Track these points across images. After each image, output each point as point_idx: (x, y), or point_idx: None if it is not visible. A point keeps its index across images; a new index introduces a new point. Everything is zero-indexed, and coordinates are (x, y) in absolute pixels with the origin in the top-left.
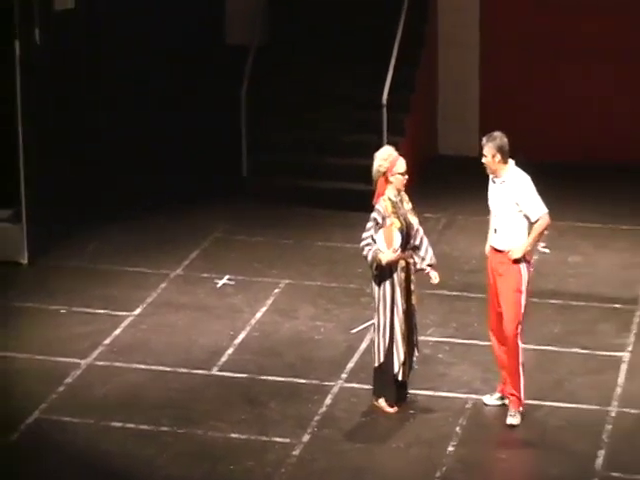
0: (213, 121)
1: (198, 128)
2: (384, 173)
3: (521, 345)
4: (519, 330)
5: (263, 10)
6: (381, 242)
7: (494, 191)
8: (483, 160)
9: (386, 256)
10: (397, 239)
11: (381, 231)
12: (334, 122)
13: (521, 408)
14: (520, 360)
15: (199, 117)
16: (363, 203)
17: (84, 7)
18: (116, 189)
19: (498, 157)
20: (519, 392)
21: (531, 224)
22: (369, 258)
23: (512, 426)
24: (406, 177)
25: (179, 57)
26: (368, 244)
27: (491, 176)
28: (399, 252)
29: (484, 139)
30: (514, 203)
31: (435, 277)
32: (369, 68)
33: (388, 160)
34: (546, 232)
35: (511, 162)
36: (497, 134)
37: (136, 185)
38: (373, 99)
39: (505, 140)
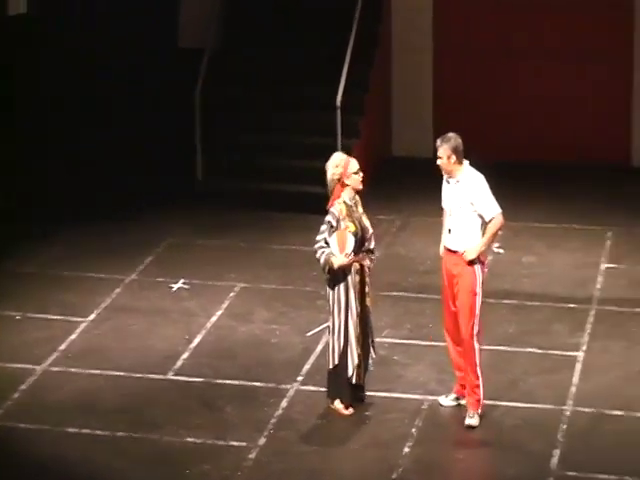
0: (167, 124)
1: (152, 131)
2: (339, 179)
3: (478, 346)
4: (475, 331)
5: (217, 13)
6: (334, 246)
7: (448, 191)
8: (439, 162)
9: (338, 260)
10: (350, 243)
11: (334, 235)
12: (288, 124)
13: (480, 410)
14: (478, 361)
15: (153, 120)
16: (319, 205)
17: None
18: (68, 193)
19: (453, 158)
20: (478, 394)
21: (485, 224)
22: (322, 262)
23: (471, 427)
24: (361, 175)
25: (131, 60)
26: (321, 247)
27: (445, 176)
28: (351, 256)
29: (438, 141)
30: (469, 203)
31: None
32: (323, 70)
33: (340, 165)
34: (500, 232)
35: (465, 162)
36: (451, 135)
37: (87, 189)
38: (327, 101)
39: (459, 141)
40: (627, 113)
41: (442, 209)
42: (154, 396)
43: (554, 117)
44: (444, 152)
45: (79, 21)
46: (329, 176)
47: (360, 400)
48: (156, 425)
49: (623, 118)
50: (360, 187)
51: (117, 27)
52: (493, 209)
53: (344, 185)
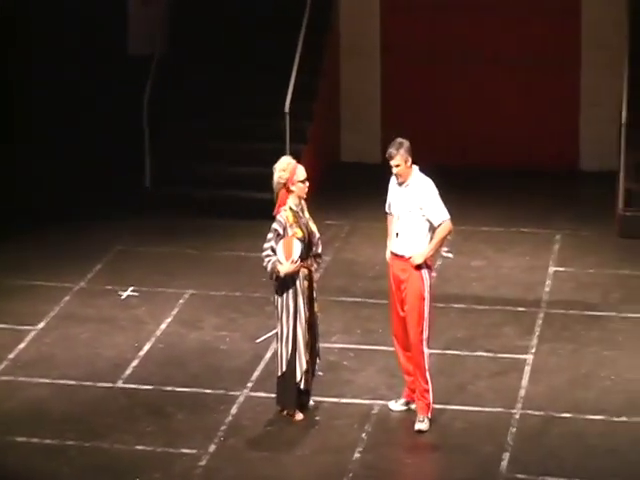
0: (116, 132)
1: (101, 139)
2: (285, 184)
3: (427, 351)
4: (424, 336)
5: (165, 20)
6: (280, 253)
7: (397, 195)
8: (397, 170)
9: (284, 268)
10: (297, 250)
11: (281, 242)
12: (237, 131)
13: (429, 414)
14: (426, 366)
15: (102, 128)
16: (267, 212)
17: None
18: (17, 201)
19: (409, 162)
20: (427, 398)
21: (434, 229)
22: (268, 269)
23: (420, 432)
24: (307, 184)
25: (81, 69)
26: (268, 255)
27: (394, 180)
28: (298, 263)
29: (392, 149)
30: (418, 207)
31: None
32: (271, 77)
33: (287, 170)
34: (449, 237)
35: (415, 167)
36: (402, 140)
37: (37, 198)
38: (276, 107)
39: (409, 144)
40: (575, 117)
41: (387, 214)
42: (103, 404)
43: (503, 122)
44: (401, 158)
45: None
46: (275, 179)
47: (306, 406)
48: (106, 433)
49: (572, 122)
50: (305, 196)
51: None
52: (442, 215)
53: (289, 191)
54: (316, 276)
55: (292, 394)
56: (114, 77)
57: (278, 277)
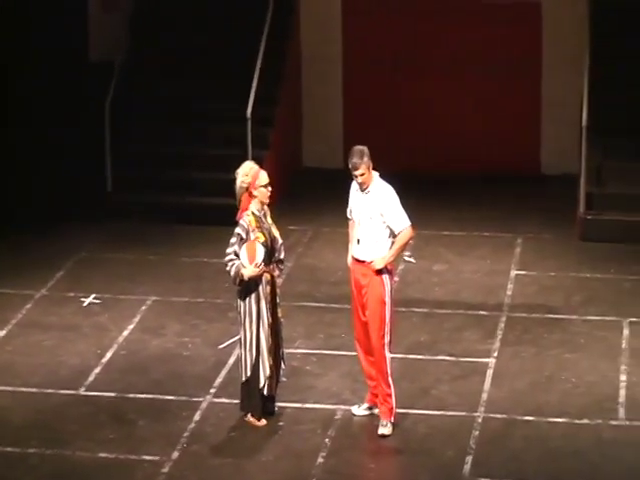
0: (77, 137)
1: (62, 145)
2: (247, 188)
3: (389, 355)
4: (386, 340)
5: (126, 26)
6: (244, 257)
7: (359, 201)
8: (361, 179)
9: (248, 271)
10: (260, 254)
11: (244, 246)
12: (199, 137)
13: (392, 418)
14: (389, 370)
15: (63, 134)
16: (229, 218)
17: None
18: None
19: (371, 168)
20: (390, 402)
21: (395, 235)
22: (232, 273)
23: (384, 436)
24: (270, 189)
25: (44, 73)
26: (231, 260)
27: (356, 186)
28: (262, 267)
29: (355, 158)
30: (379, 214)
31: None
32: (233, 82)
33: (250, 175)
34: (411, 242)
35: (375, 174)
36: (362, 148)
37: None
38: (238, 113)
39: (368, 150)
40: (537, 121)
41: (348, 219)
42: (66, 411)
43: (464, 126)
44: (365, 166)
45: None
46: (238, 183)
47: (271, 412)
48: (68, 441)
49: (533, 126)
50: (267, 201)
51: (26, 42)
52: (403, 222)
53: (252, 195)
54: (279, 281)
55: (257, 400)
56: (75, 83)
57: (242, 281)
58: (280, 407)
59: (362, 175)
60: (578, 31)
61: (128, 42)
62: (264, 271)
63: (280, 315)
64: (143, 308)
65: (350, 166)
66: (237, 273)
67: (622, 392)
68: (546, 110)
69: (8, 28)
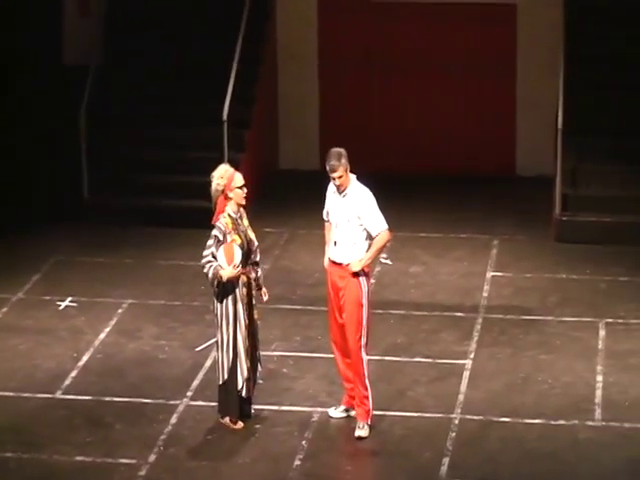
0: (53, 141)
1: (38, 148)
2: (223, 191)
3: (366, 357)
4: (363, 342)
5: (101, 31)
6: (222, 259)
7: (336, 204)
8: (339, 181)
9: (227, 272)
10: (238, 255)
11: (222, 248)
12: (175, 139)
13: (369, 420)
14: (366, 372)
15: (39, 137)
16: (206, 220)
17: None
18: None
19: (348, 170)
20: (367, 405)
21: (372, 237)
22: (210, 275)
23: (360, 438)
24: (245, 190)
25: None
26: (209, 261)
27: (333, 188)
28: (240, 268)
29: (334, 161)
30: (356, 217)
31: (265, 294)
32: (209, 84)
33: (225, 177)
34: (388, 244)
35: (353, 176)
36: (340, 150)
37: None
38: (214, 115)
39: (345, 152)
40: (512, 123)
41: (325, 221)
42: (42, 415)
43: (440, 127)
44: (343, 169)
45: None
46: (213, 186)
47: (248, 414)
48: (45, 444)
49: (508, 128)
50: (243, 202)
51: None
52: (380, 225)
53: (227, 198)
54: (254, 284)
55: (234, 402)
56: (50, 87)
57: (219, 283)
58: (257, 410)
59: (340, 177)
60: (553, 32)
61: (103, 46)
62: (242, 273)
63: (256, 317)
64: (120, 311)
65: (328, 168)
66: (215, 275)
67: (598, 393)
68: (521, 111)
69: None
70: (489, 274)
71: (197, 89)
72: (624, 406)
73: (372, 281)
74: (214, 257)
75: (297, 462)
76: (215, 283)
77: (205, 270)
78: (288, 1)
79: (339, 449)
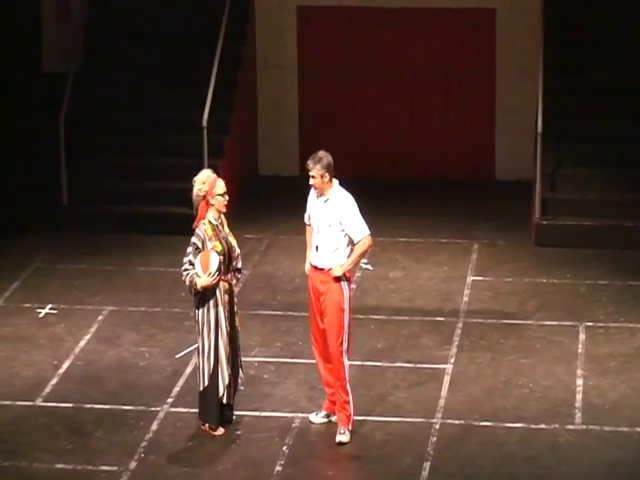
0: (31, 149)
1: (16, 156)
2: (204, 197)
3: (347, 362)
4: (344, 348)
5: (80, 37)
6: (198, 267)
7: (317, 209)
8: (312, 182)
9: (202, 281)
10: (214, 263)
11: (199, 256)
12: (154, 146)
13: (350, 426)
14: (347, 378)
15: (18, 145)
16: (185, 227)
17: None
18: None
19: (327, 177)
20: (348, 410)
21: (353, 243)
22: (187, 283)
23: (341, 443)
24: (227, 197)
25: None
26: (186, 269)
27: (314, 193)
28: (216, 276)
29: (310, 162)
30: (338, 222)
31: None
32: (188, 91)
33: (207, 183)
34: (369, 250)
35: (335, 182)
36: (322, 154)
37: None
38: (193, 121)
39: (330, 159)
40: (491, 128)
41: (306, 225)
42: (22, 423)
43: (419, 133)
44: (317, 172)
45: None
46: (195, 191)
47: (229, 420)
48: (25, 452)
49: (487, 133)
50: (224, 210)
51: None
52: (362, 231)
53: (209, 204)
54: (235, 290)
55: (214, 409)
56: (29, 94)
57: (197, 291)
58: (238, 415)
59: (313, 178)
60: (532, 38)
61: (82, 52)
62: (219, 280)
63: (238, 324)
64: (99, 318)
65: (306, 166)
66: (191, 282)
67: (578, 397)
68: (500, 116)
69: None
70: (469, 278)
71: (176, 95)
72: (604, 410)
73: (353, 286)
74: (192, 265)
75: (278, 468)
76: (192, 291)
77: (183, 278)
78: (267, 8)
79: (320, 455)
